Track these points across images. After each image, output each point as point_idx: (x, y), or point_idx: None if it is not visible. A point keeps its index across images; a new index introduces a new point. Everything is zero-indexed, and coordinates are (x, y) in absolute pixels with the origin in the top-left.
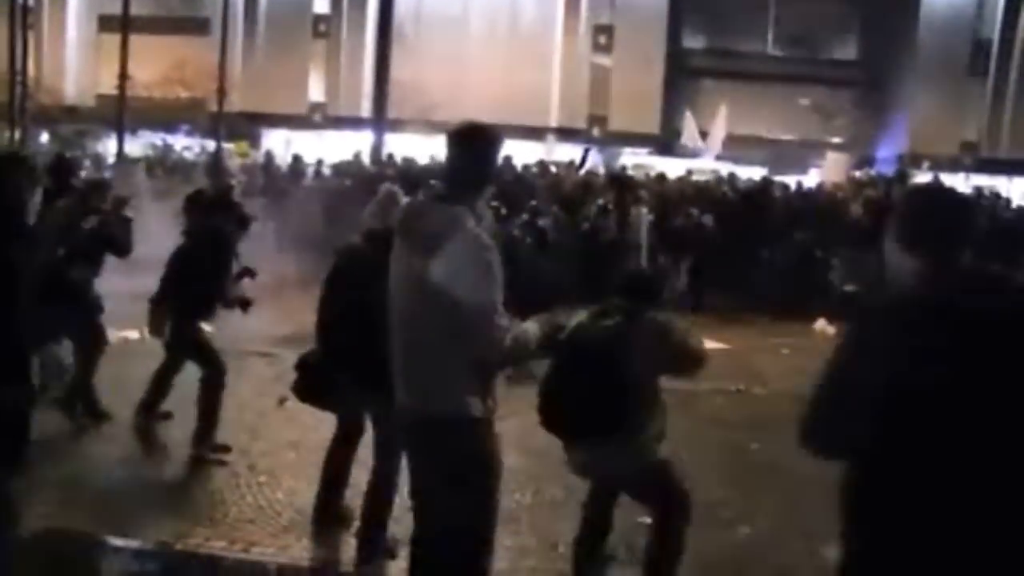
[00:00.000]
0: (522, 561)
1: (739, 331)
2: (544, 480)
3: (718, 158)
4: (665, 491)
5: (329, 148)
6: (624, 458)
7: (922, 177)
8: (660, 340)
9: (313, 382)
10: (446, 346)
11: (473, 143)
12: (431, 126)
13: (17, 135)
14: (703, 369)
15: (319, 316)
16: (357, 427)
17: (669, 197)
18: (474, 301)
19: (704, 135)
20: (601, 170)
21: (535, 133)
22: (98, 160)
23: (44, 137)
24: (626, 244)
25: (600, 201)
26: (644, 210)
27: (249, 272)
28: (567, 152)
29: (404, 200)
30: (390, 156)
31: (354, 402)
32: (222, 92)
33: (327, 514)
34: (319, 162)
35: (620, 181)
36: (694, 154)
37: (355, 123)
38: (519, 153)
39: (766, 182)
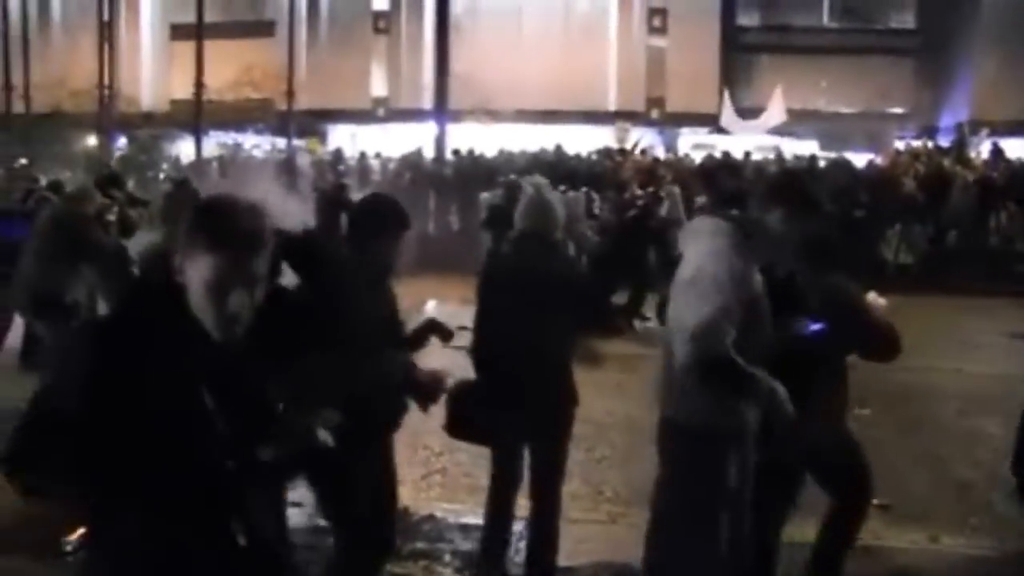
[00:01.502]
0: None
1: None
2: (595, 439)
3: (777, 133)
4: (852, 471)
5: (393, 141)
6: (815, 434)
7: (983, 144)
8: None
9: (471, 415)
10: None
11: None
12: (491, 116)
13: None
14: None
15: (476, 340)
16: (520, 464)
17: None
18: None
19: (749, 112)
20: (661, 153)
21: (594, 118)
22: (176, 162)
23: (122, 141)
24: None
25: (640, 190)
26: (676, 189)
27: None
28: (643, 137)
29: (555, 197)
30: (456, 152)
31: (517, 435)
32: (291, 92)
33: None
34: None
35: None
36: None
37: (417, 115)
38: (581, 139)
39: (813, 159)
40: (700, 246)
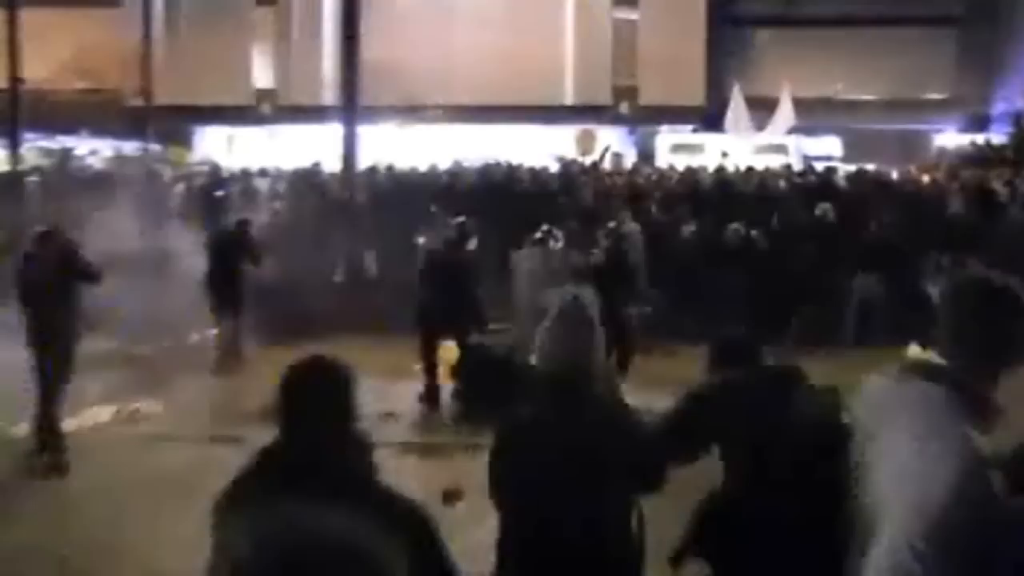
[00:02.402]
0: None
1: (812, 369)
2: None
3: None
4: None
5: (284, 148)
6: None
7: None
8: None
9: None
10: None
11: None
12: (415, 115)
13: None
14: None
15: (502, 533)
16: None
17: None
18: None
19: (757, 104)
20: (629, 163)
21: (547, 115)
22: None
23: None
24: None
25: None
26: (635, 226)
27: None
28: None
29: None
30: (372, 168)
31: None
32: (145, 82)
33: None
34: (264, 173)
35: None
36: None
37: (316, 115)
38: (531, 142)
39: (829, 173)
40: (904, 433)
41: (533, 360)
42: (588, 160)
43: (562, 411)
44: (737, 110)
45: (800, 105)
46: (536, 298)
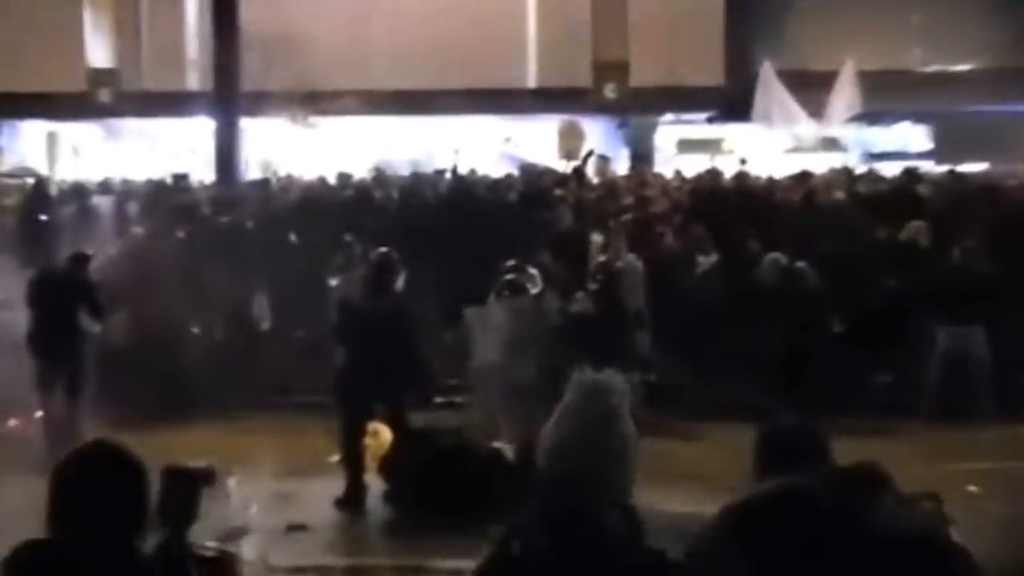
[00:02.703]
0: None
1: (884, 451)
2: None
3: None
4: None
5: (132, 151)
6: None
7: None
8: None
9: None
10: None
11: None
12: (319, 105)
13: None
14: None
15: None
16: None
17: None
18: None
19: (798, 82)
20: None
21: (503, 101)
22: None
23: None
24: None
25: (600, 257)
26: (636, 261)
27: None
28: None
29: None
30: (265, 180)
31: None
32: None
33: None
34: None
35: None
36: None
37: (177, 104)
38: (480, 140)
39: (908, 177)
40: None
41: (540, 462)
42: (566, 166)
43: (567, 546)
44: (769, 92)
45: (862, 82)
46: (507, 364)
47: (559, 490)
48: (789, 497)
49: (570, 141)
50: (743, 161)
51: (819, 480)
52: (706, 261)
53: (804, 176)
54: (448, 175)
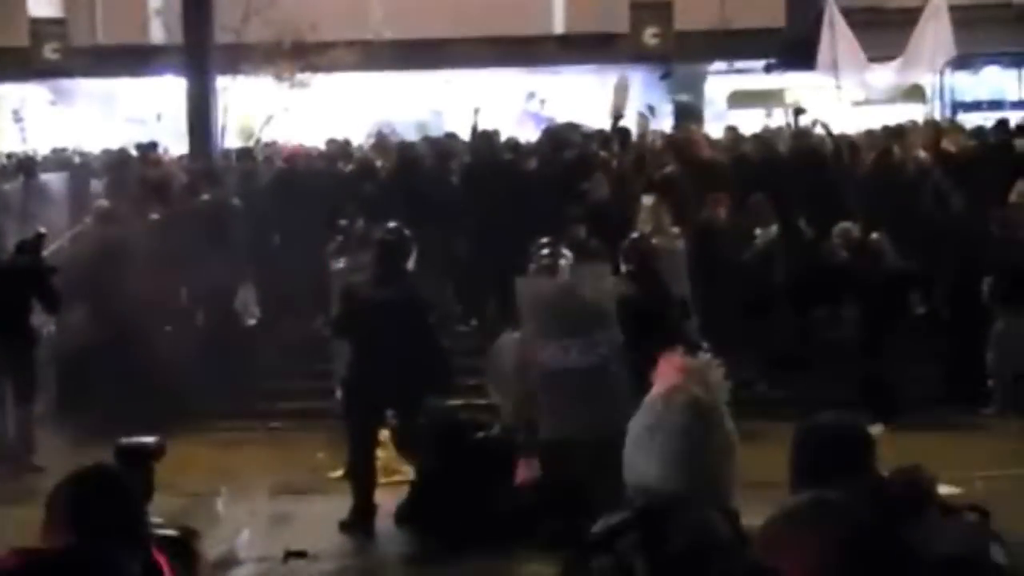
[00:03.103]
0: None
1: (951, 450)
2: None
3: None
4: None
5: (85, 116)
6: None
7: None
8: None
9: None
10: None
11: None
12: (309, 59)
13: None
14: None
15: None
16: None
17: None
18: None
19: (872, 21)
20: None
21: (524, 52)
22: None
23: None
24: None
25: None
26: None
27: None
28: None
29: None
30: (244, 150)
31: None
32: None
33: None
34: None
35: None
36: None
37: (137, 60)
38: (500, 99)
39: (1005, 132)
40: None
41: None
42: (604, 125)
43: (671, 559)
44: (835, 35)
45: (961, 25)
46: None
47: (660, 499)
48: (825, 514)
49: (620, 98)
50: (799, 111)
51: (859, 493)
52: (765, 234)
53: (880, 132)
54: (465, 138)
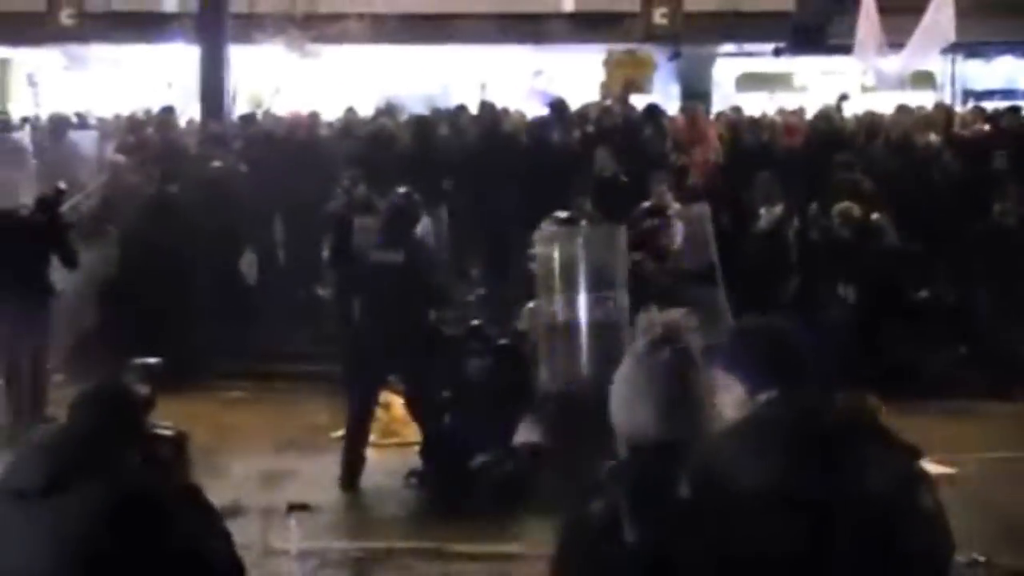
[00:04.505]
0: None
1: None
2: None
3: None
4: None
5: (100, 82)
6: None
7: None
8: None
9: None
10: None
11: None
12: (320, 31)
13: None
14: None
15: None
16: None
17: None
18: None
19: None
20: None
21: (531, 29)
22: None
23: None
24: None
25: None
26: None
27: None
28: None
29: None
30: (247, 115)
31: None
32: None
33: None
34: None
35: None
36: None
37: (151, 27)
38: (508, 78)
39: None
40: None
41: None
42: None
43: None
44: (869, 21)
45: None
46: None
47: (653, 445)
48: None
49: (628, 72)
50: (844, 97)
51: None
52: (770, 213)
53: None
54: (473, 111)
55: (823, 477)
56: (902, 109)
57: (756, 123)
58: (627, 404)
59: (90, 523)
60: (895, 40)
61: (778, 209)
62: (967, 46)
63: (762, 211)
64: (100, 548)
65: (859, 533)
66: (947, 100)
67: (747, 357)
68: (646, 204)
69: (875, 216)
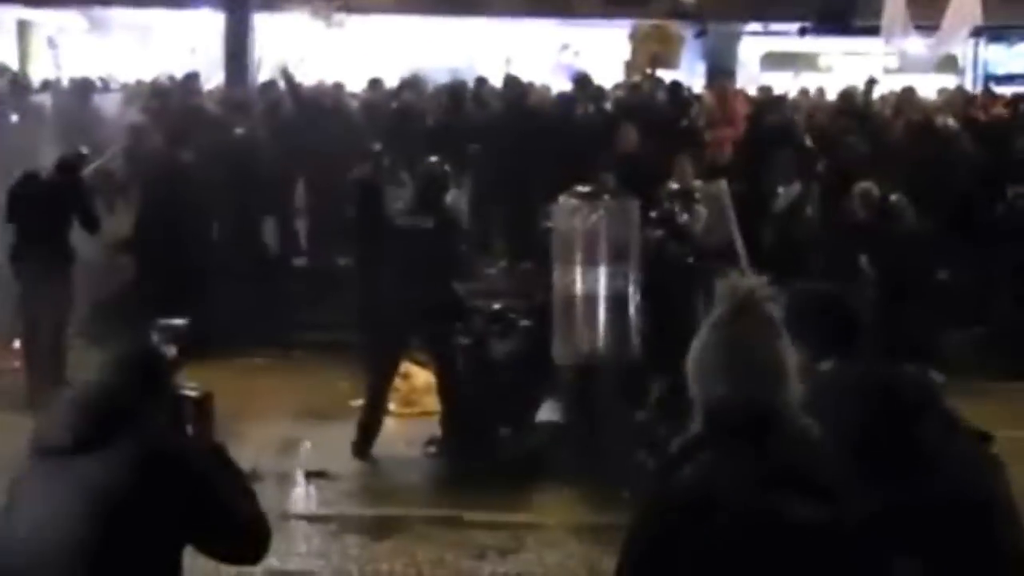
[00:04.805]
0: None
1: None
2: None
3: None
4: None
5: (123, 48)
6: None
7: None
8: None
9: None
10: None
11: None
12: (345, 1)
13: None
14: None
15: None
16: None
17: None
18: None
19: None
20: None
21: (562, 3)
22: None
23: None
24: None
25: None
26: (723, 184)
27: None
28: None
29: None
30: (270, 84)
31: None
32: None
33: None
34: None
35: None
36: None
37: None
38: (528, 52)
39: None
40: None
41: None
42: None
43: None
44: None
45: None
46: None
47: (741, 411)
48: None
49: (658, 46)
50: (872, 81)
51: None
52: (787, 192)
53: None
54: (496, 84)
55: (903, 455)
56: (911, 92)
57: (778, 102)
58: (708, 374)
59: (119, 481)
60: (921, 23)
61: (796, 188)
62: (989, 30)
63: (780, 190)
64: (129, 506)
65: (941, 519)
66: (968, 84)
67: (805, 322)
68: (672, 184)
69: (894, 197)
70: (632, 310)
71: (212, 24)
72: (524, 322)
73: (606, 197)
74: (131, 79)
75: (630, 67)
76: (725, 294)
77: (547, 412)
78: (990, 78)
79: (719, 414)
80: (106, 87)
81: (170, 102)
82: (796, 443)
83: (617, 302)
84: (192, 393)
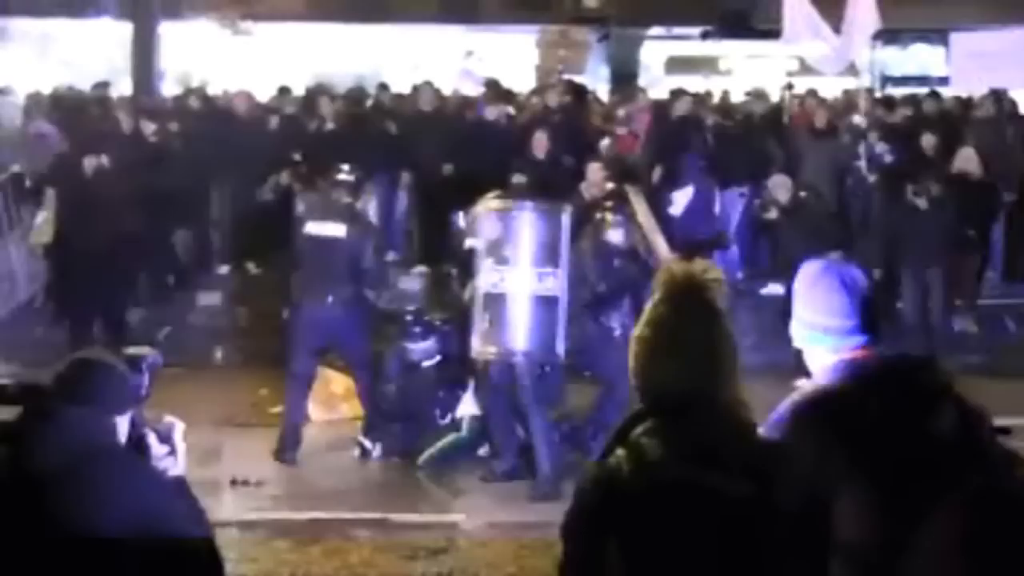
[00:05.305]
0: None
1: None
2: None
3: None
4: None
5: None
6: None
7: None
8: None
9: None
10: None
11: None
12: (251, 7)
13: None
14: None
15: None
16: None
17: None
18: None
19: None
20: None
21: (466, 9)
22: None
23: None
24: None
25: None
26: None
27: None
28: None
29: None
30: (184, 92)
31: None
32: None
33: None
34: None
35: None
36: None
37: (76, 1)
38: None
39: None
40: None
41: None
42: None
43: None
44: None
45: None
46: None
47: (674, 394)
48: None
49: (566, 54)
50: (789, 87)
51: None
52: (681, 195)
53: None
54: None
55: (921, 442)
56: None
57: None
58: (643, 355)
59: (84, 514)
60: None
61: (690, 191)
62: (884, 33)
63: (673, 195)
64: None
65: (953, 514)
66: (866, 84)
67: (821, 299)
68: (595, 194)
69: (802, 194)
70: (557, 310)
71: (114, 33)
72: (442, 324)
73: (525, 200)
74: (31, 88)
75: (540, 72)
76: (663, 279)
77: (468, 409)
78: (887, 79)
79: (652, 395)
80: (4, 96)
81: (76, 111)
82: (725, 423)
83: (538, 301)
84: (158, 425)
